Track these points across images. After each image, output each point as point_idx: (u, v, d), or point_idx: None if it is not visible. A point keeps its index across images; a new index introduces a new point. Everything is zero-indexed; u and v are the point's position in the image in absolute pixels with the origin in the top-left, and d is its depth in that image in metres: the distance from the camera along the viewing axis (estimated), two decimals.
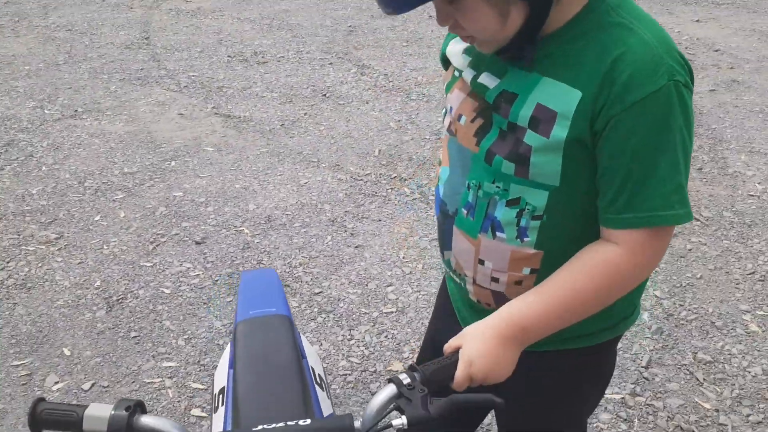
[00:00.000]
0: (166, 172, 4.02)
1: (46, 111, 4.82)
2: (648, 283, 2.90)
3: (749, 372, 2.51)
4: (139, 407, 1.06)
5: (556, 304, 1.14)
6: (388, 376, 1.11)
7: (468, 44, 1.21)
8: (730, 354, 2.59)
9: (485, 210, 1.20)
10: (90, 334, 2.77)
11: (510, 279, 1.24)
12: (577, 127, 1.07)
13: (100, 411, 1.04)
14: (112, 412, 1.03)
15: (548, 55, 1.10)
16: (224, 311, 2.88)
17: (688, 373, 2.51)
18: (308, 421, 1.06)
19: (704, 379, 2.48)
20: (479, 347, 1.12)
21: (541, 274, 1.20)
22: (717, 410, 2.35)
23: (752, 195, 3.61)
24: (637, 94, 1.03)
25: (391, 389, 1.06)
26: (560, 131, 1.08)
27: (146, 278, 3.09)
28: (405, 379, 1.06)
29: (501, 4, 1.04)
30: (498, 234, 1.20)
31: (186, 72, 5.53)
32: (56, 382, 2.53)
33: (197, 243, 3.34)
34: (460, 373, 1.11)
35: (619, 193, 1.09)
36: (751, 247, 3.20)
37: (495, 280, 1.25)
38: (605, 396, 2.39)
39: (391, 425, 1.02)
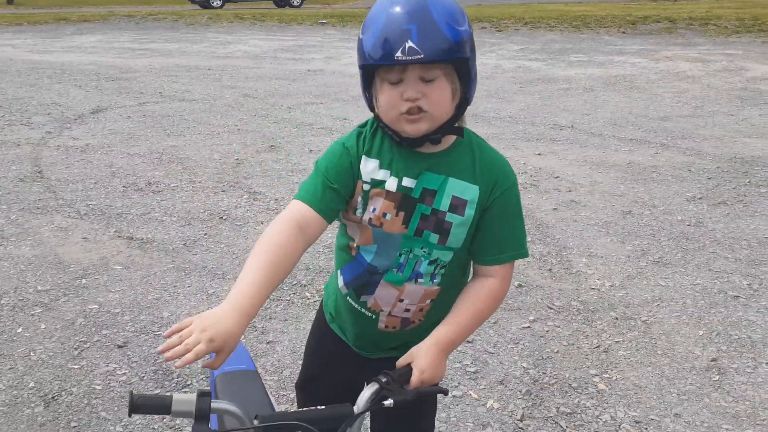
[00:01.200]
0: (79, 288, 4.30)
1: None
2: (516, 358, 3.52)
3: (601, 419, 3.12)
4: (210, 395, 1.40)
5: (466, 325, 1.71)
6: (370, 379, 1.56)
7: (378, 164, 1.68)
8: (585, 407, 3.21)
9: (413, 267, 1.75)
10: (32, 426, 3.00)
11: (417, 308, 1.81)
12: (479, 208, 1.69)
13: (185, 397, 1.36)
14: (198, 398, 1.36)
15: (448, 164, 1.69)
16: None
17: (553, 422, 3.09)
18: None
19: (566, 426, 3.06)
20: (428, 361, 1.64)
21: (436, 302, 1.80)
22: None
23: (593, 288, 4.39)
24: (505, 185, 1.70)
25: (374, 386, 1.54)
26: (470, 212, 1.68)
27: (77, 378, 3.36)
28: (383, 378, 1.56)
29: (453, 86, 1.59)
30: (419, 281, 1.76)
31: (84, 201, 5.86)
32: None
33: (119, 347, 3.64)
34: (415, 378, 1.62)
35: (499, 243, 1.70)
36: (595, 327, 3.92)
37: (407, 310, 1.81)
38: None
39: (382, 405, 1.51)
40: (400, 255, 1.74)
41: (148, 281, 4.41)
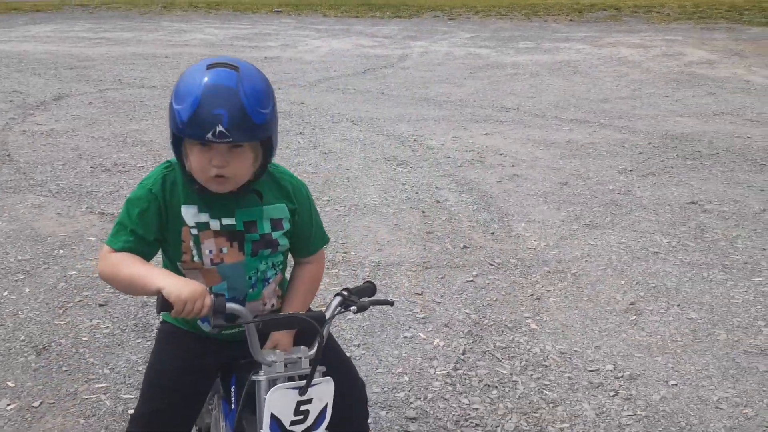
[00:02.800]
0: (57, 257, 4.63)
1: None
2: (460, 305, 3.97)
3: (532, 351, 3.59)
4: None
5: (304, 303, 2.12)
6: (336, 293, 1.97)
7: (196, 208, 1.90)
8: (518, 343, 3.67)
9: (263, 278, 2.03)
10: (27, 371, 3.35)
11: (276, 299, 2.11)
12: (291, 218, 2.04)
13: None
14: (215, 297, 1.71)
15: (259, 193, 1.98)
16: (136, 348, 3.56)
17: (491, 355, 3.55)
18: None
19: (501, 357, 3.53)
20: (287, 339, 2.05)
21: (281, 282, 2.11)
22: (511, 374, 3.39)
23: (530, 248, 4.87)
24: (302, 193, 2.06)
25: (338, 298, 1.94)
26: (287, 224, 2.03)
27: (64, 331, 3.71)
28: (344, 292, 1.95)
29: (255, 153, 1.86)
30: (269, 282, 2.07)
31: (54, 181, 6.14)
32: (9, 404, 3.10)
33: (101, 305, 4.00)
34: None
35: (309, 238, 2.11)
36: (530, 279, 4.39)
37: (272, 306, 2.09)
38: (436, 371, 3.37)
39: (349, 311, 1.91)
40: (250, 278, 2.00)
41: None
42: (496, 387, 3.30)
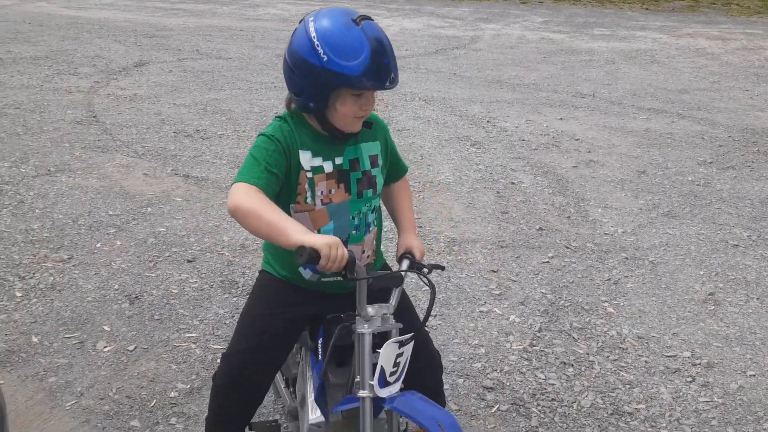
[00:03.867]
0: (146, 215, 4.82)
1: (21, 170, 5.52)
2: (536, 285, 4.00)
3: (608, 334, 3.61)
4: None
5: (411, 210, 2.36)
6: (401, 257, 2.18)
7: (311, 153, 2.04)
8: (595, 325, 3.70)
9: (365, 222, 2.17)
10: (121, 317, 3.53)
11: (371, 251, 2.25)
12: (383, 154, 2.21)
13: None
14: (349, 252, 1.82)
15: (355, 136, 2.12)
16: (224, 303, 3.72)
17: (567, 335, 3.58)
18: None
19: (578, 337, 3.56)
20: (417, 242, 2.26)
21: (377, 238, 2.27)
22: (587, 354, 3.42)
23: (606, 233, 4.86)
24: (386, 130, 2.25)
25: (406, 261, 2.15)
26: (381, 160, 2.20)
27: (155, 283, 3.88)
28: (410, 257, 2.16)
29: None
30: (370, 230, 2.20)
31: (140, 143, 6.37)
32: (105, 346, 3.28)
33: (189, 261, 4.17)
34: (420, 254, 2.23)
35: (398, 165, 2.31)
36: (607, 264, 4.39)
37: (368, 256, 2.23)
38: (512, 345, 3.43)
39: (423, 271, 2.06)
40: (353, 218, 2.13)
41: (207, 212, 4.92)
42: (572, 365, 3.34)
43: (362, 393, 1.88)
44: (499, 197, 5.45)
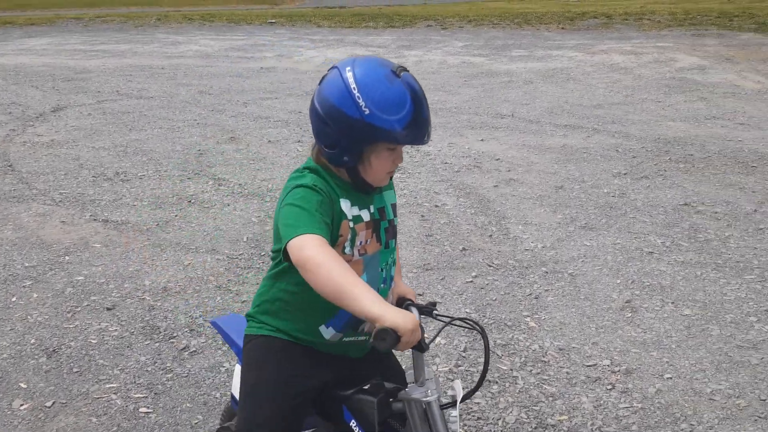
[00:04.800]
0: (63, 264, 4.71)
1: None
2: (461, 305, 4.05)
3: (531, 348, 3.69)
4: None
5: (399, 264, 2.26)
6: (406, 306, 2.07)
7: (349, 202, 1.92)
8: (518, 340, 3.77)
9: (389, 275, 2.06)
10: (38, 373, 3.43)
11: (393, 300, 2.15)
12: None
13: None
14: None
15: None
16: (145, 350, 3.65)
17: (491, 352, 3.64)
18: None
19: (501, 354, 3.62)
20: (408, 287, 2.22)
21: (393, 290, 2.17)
22: (511, 370, 3.48)
23: (527, 249, 4.97)
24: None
25: (415, 310, 2.03)
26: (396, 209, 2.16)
27: (73, 334, 3.79)
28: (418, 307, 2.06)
29: None
30: (392, 282, 2.11)
31: (57, 190, 6.22)
32: (21, 404, 3.18)
33: (108, 309, 4.08)
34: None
35: None
36: (528, 279, 4.49)
37: None
38: (438, 367, 3.46)
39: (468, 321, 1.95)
40: (382, 270, 2.03)
41: (127, 256, 4.83)
42: (497, 382, 3.39)
43: None
44: (423, 221, 5.52)
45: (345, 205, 1.92)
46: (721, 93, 10.41)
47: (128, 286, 4.37)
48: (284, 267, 1.94)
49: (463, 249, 4.96)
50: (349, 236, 1.91)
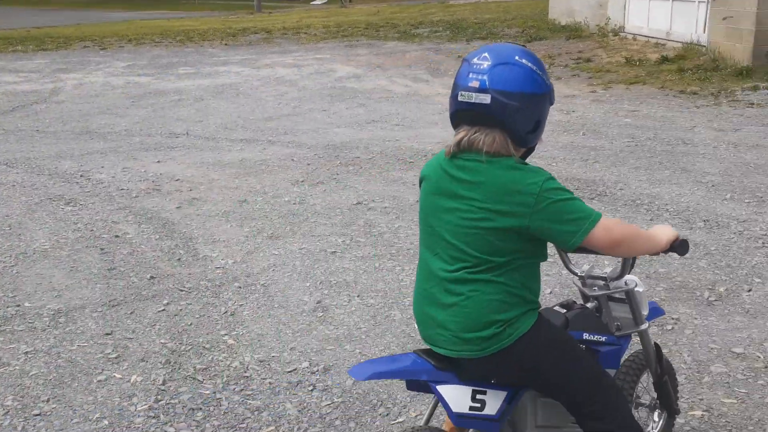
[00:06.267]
0: None
1: None
2: (155, 337, 3.89)
3: (232, 366, 3.68)
4: None
5: None
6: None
7: None
8: (218, 361, 3.73)
9: None
10: None
11: None
12: None
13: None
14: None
15: None
16: None
17: (192, 378, 3.56)
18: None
19: (203, 378, 3.56)
20: None
21: None
22: (214, 392, 3.45)
23: (218, 268, 4.94)
24: None
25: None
26: None
27: None
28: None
29: None
30: None
31: None
32: None
33: None
34: None
35: None
36: (222, 298, 4.48)
37: None
38: (137, 407, 3.29)
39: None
40: None
41: None
42: (201, 408, 3.33)
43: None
44: (104, 254, 5.20)
45: None
46: (377, 98, 11.37)
47: None
48: (518, 264, 2.11)
49: (152, 277, 4.78)
50: None
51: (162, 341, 3.95)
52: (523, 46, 2.14)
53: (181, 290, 4.59)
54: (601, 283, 2.48)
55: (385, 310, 4.26)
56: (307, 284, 4.64)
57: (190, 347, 3.88)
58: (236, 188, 6.77)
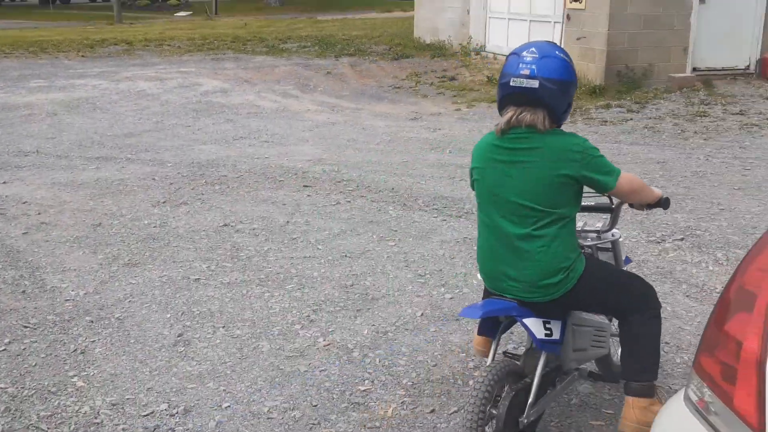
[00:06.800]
0: None
1: None
2: None
3: (81, 412, 3.36)
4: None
5: None
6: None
7: None
8: (65, 406, 3.40)
9: None
10: None
11: None
12: None
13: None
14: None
15: None
16: None
17: (35, 428, 3.21)
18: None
19: (48, 427, 3.22)
20: None
21: None
22: None
23: (68, 300, 4.56)
24: None
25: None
26: None
27: None
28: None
29: None
30: None
31: None
32: None
33: None
34: None
35: None
36: (71, 334, 4.11)
37: None
38: None
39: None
40: None
41: None
42: None
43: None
44: None
45: None
46: (245, 113, 11.08)
47: None
48: (571, 216, 2.74)
49: None
50: None
51: (1, 386, 3.56)
52: (556, 43, 2.79)
53: (25, 327, 4.19)
54: (594, 235, 3.12)
55: (253, 341, 4.06)
56: (168, 316, 4.35)
57: (33, 392, 3.52)
58: (90, 211, 6.33)
